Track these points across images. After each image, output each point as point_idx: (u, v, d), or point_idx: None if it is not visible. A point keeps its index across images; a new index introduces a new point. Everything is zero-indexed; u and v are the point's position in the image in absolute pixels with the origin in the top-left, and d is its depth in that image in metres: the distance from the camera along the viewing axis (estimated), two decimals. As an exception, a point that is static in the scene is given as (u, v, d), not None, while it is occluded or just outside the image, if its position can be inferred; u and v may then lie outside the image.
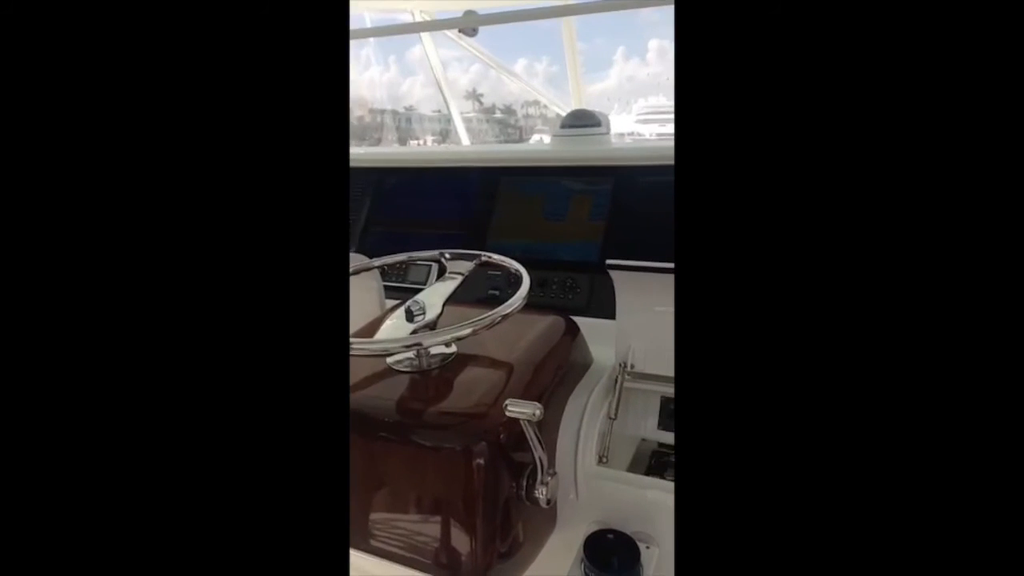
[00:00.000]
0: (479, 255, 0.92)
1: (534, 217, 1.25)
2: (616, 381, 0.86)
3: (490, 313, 0.70)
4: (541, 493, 0.68)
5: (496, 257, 0.89)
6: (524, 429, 0.63)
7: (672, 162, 1.25)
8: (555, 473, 0.70)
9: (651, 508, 0.74)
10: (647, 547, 0.72)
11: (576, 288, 1.13)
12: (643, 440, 0.92)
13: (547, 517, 0.78)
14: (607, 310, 0.90)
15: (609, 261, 0.83)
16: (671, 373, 0.88)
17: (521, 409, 0.60)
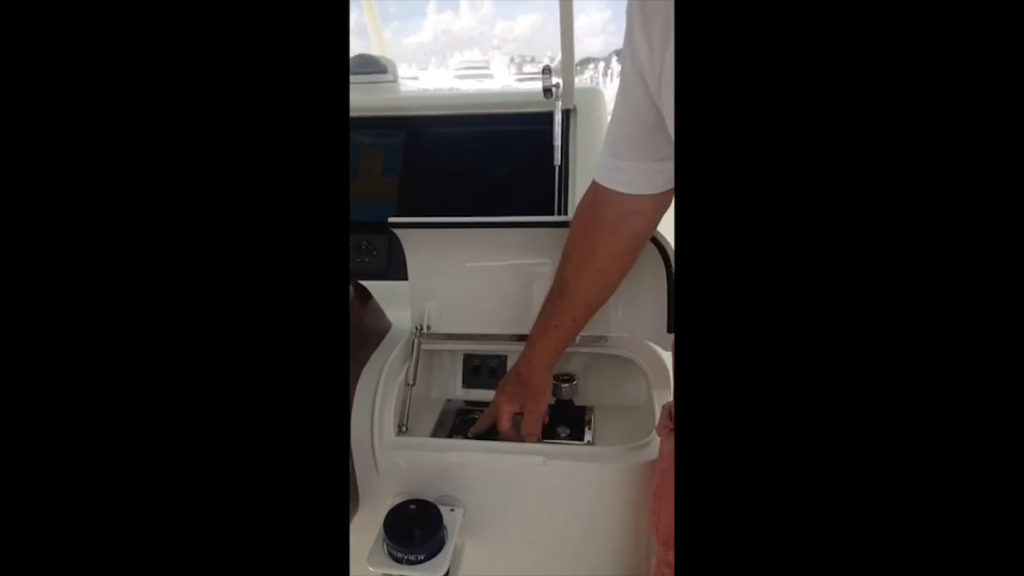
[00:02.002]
0: None
1: (322, 176, 1.13)
2: (413, 345, 0.81)
3: None
4: (328, 478, 0.62)
5: None
6: None
7: (466, 111, 1.19)
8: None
9: (452, 469, 0.72)
10: (451, 510, 0.71)
11: (373, 250, 1.05)
12: (448, 400, 0.90)
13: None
14: (407, 272, 0.84)
15: (391, 219, 0.77)
16: (471, 331, 0.86)
17: None
